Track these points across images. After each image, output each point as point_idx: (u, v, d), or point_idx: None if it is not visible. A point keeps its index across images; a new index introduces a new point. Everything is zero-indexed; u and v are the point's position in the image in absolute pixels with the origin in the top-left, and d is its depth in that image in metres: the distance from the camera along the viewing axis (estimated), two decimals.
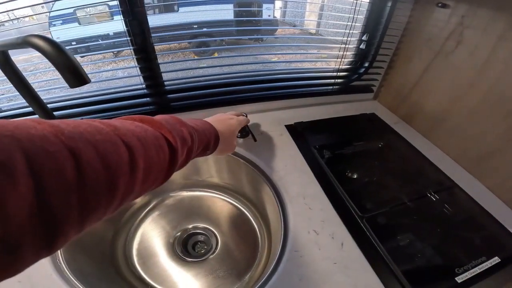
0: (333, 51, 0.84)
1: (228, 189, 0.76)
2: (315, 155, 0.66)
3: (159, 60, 0.68)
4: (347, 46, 0.78)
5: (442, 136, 0.70)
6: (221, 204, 0.74)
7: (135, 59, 0.65)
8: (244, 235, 0.68)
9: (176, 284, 0.59)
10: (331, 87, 0.85)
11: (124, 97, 0.70)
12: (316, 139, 0.71)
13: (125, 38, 0.63)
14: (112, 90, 0.70)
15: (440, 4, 0.61)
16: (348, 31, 0.75)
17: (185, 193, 0.76)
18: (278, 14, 4.31)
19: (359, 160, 0.67)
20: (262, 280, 0.43)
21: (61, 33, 2.91)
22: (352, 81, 0.85)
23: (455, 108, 0.66)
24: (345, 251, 0.47)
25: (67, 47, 0.35)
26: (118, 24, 0.62)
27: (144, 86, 0.70)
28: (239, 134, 0.68)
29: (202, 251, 0.66)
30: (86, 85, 0.69)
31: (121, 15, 0.60)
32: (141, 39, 0.63)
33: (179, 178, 0.75)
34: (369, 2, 0.72)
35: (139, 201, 0.72)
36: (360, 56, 0.82)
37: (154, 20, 3.44)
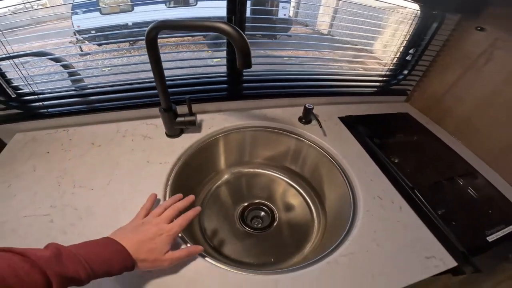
0: (379, 60, 0.98)
1: (288, 168, 0.88)
2: (367, 142, 0.79)
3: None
4: (393, 57, 0.92)
5: (468, 136, 0.85)
6: (279, 182, 0.87)
7: (226, 50, 0.77)
8: (299, 211, 0.80)
9: (238, 250, 0.68)
10: (374, 89, 1.00)
11: (208, 81, 0.82)
12: (364, 129, 0.84)
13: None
14: (201, 76, 0.82)
15: (479, 28, 0.77)
16: (395, 44, 0.90)
17: (246, 170, 0.88)
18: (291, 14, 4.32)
19: (400, 148, 0.81)
20: (345, 232, 0.56)
21: (81, 22, 3.00)
22: (391, 85, 1.00)
23: (482, 114, 0.81)
24: (403, 212, 0.61)
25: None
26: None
27: (226, 74, 0.82)
28: (303, 120, 0.82)
29: (259, 226, 0.76)
30: (181, 69, 0.80)
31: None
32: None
33: (242, 157, 0.87)
34: (417, 22, 0.87)
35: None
36: (401, 65, 0.97)
37: (169, 14, 3.54)
